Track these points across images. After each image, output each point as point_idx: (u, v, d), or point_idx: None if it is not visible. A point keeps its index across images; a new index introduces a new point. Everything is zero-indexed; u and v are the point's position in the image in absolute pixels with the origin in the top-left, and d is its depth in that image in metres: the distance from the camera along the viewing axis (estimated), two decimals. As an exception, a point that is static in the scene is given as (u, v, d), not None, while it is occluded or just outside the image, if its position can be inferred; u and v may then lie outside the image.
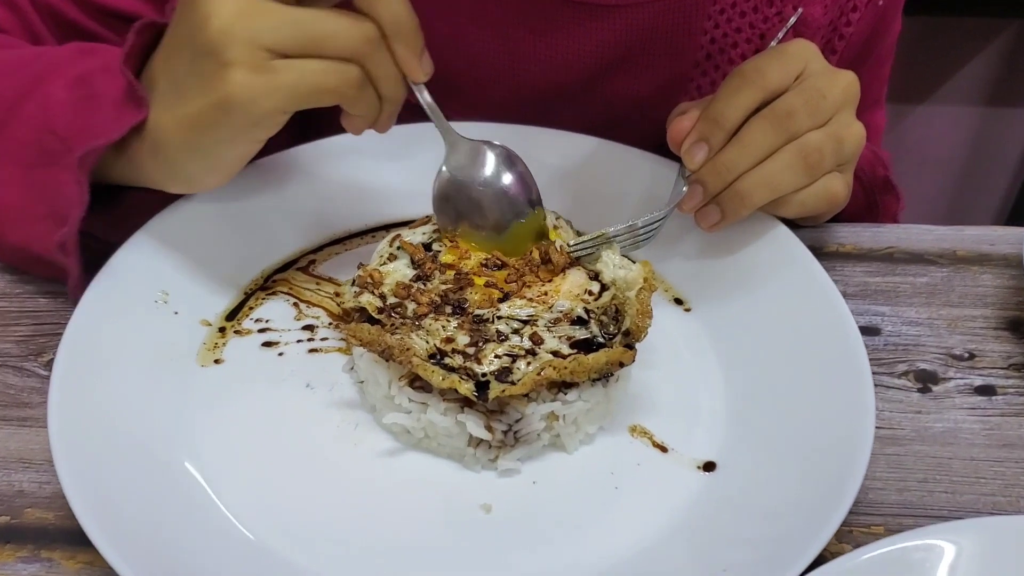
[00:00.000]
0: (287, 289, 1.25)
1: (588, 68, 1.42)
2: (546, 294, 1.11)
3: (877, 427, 1.03)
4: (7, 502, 1.02)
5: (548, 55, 1.41)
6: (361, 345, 1.05)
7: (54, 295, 1.23)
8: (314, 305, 1.23)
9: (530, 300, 1.10)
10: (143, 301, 1.16)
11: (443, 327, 1.07)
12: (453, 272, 1.13)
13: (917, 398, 1.17)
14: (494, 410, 1.03)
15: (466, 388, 1.00)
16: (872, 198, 1.49)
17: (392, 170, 1.38)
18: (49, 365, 1.07)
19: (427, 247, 1.17)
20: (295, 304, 1.23)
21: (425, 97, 1.10)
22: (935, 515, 1.04)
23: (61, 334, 1.06)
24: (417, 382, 1.04)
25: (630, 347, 1.06)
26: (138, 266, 1.18)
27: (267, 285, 1.25)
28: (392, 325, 1.07)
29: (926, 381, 1.19)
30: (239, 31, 0.93)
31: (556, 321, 1.08)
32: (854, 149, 1.19)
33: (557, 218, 1.24)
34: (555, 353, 1.04)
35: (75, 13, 1.30)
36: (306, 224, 1.32)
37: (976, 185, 3.31)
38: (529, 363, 1.03)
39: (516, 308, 1.09)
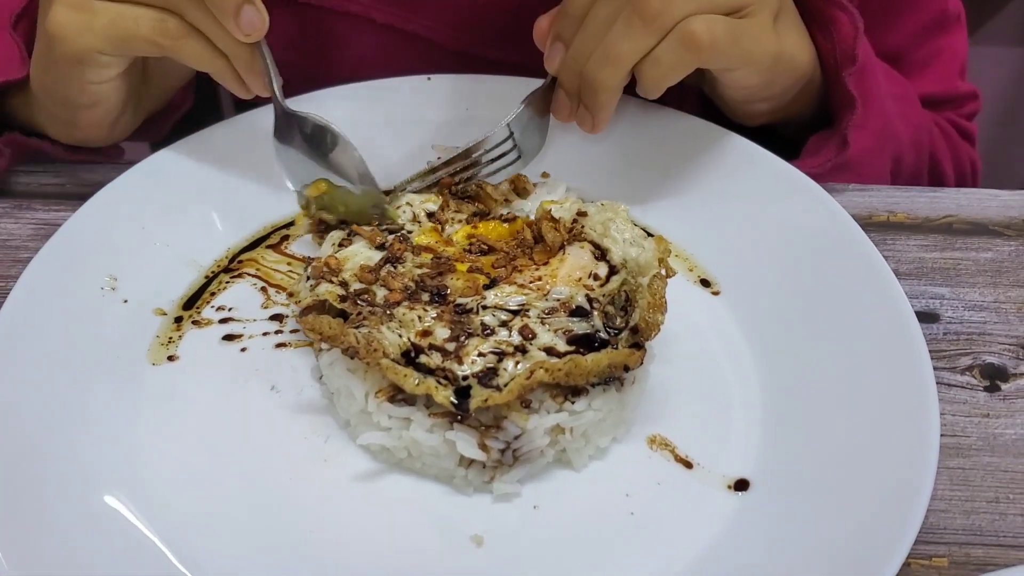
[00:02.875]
0: (255, 270, 1.10)
1: None
2: (541, 279, 0.95)
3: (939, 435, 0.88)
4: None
5: None
6: (322, 340, 0.89)
7: (-10, 278, 1.09)
8: (284, 290, 1.07)
9: (522, 287, 0.94)
10: (87, 287, 1.03)
11: (419, 317, 0.91)
12: (431, 256, 0.97)
13: (984, 398, 1.01)
14: (489, 425, 0.87)
15: (443, 396, 0.86)
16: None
17: (377, 129, 1.21)
18: (-24, 364, 0.93)
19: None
20: (263, 289, 1.08)
21: (265, 57, 1.04)
22: (1010, 543, 0.89)
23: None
24: (399, 395, 0.88)
25: (638, 346, 0.90)
26: (81, 247, 1.05)
27: (232, 266, 1.10)
28: (359, 315, 0.92)
29: (994, 378, 1.03)
30: None
31: (552, 311, 0.92)
32: None
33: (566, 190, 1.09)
34: (549, 350, 0.89)
35: None
36: (280, 193, 1.15)
37: (1019, 133, 3.14)
38: (518, 363, 0.88)
39: (505, 296, 0.93)
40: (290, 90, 1.20)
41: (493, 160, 1.12)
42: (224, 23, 0.97)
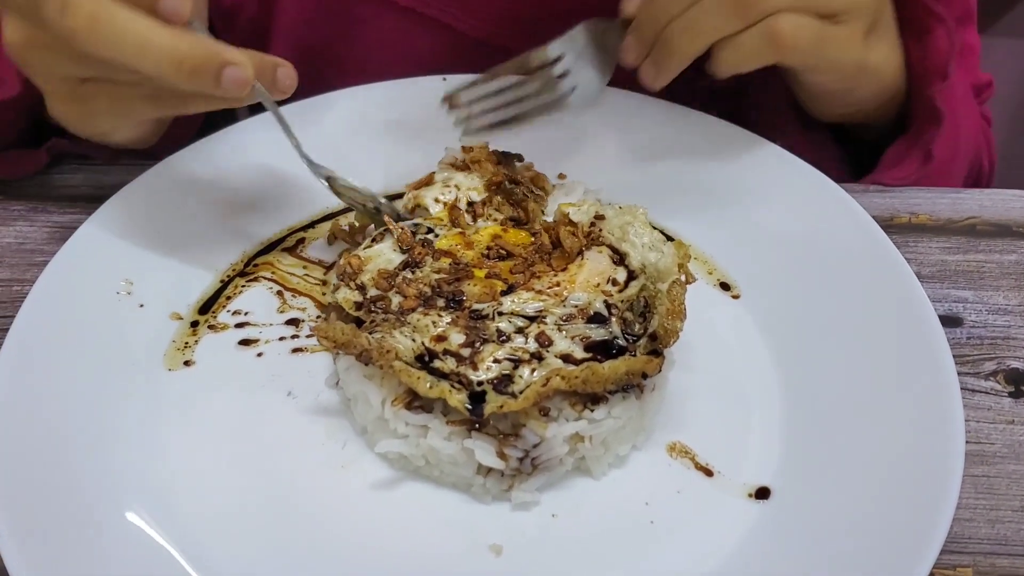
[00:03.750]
0: (270, 274, 1.09)
1: None
2: (559, 284, 0.94)
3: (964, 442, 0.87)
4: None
5: None
6: (335, 347, 0.88)
7: (9, 284, 1.09)
8: (301, 294, 1.07)
9: (539, 293, 0.93)
10: (103, 293, 1.02)
11: (433, 323, 0.91)
12: (449, 260, 0.96)
13: (1009, 404, 0.99)
14: (508, 433, 0.86)
15: (457, 400, 0.85)
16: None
17: (392, 129, 1.21)
18: (-5, 369, 0.93)
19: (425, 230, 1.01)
20: (279, 292, 1.07)
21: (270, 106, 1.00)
22: (1035, 553, 0.88)
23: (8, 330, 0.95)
24: (416, 402, 0.87)
25: (656, 353, 0.89)
26: (97, 251, 1.05)
27: (247, 270, 1.09)
28: (373, 323, 0.91)
29: (1019, 383, 1.01)
30: (35, 64, 0.95)
31: (569, 318, 0.91)
32: None
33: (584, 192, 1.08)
34: (565, 358, 0.88)
35: None
36: (296, 194, 1.15)
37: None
38: (534, 370, 0.87)
39: (522, 302, 0.92)
40: (309, 70, 1.17)
41: (546, 84, 1.08)
42: (212, 93, 0.91)
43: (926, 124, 1.17)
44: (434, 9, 1.30)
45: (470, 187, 1.08)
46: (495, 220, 1.05)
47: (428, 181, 1.09)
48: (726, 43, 1.02)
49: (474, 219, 1.05)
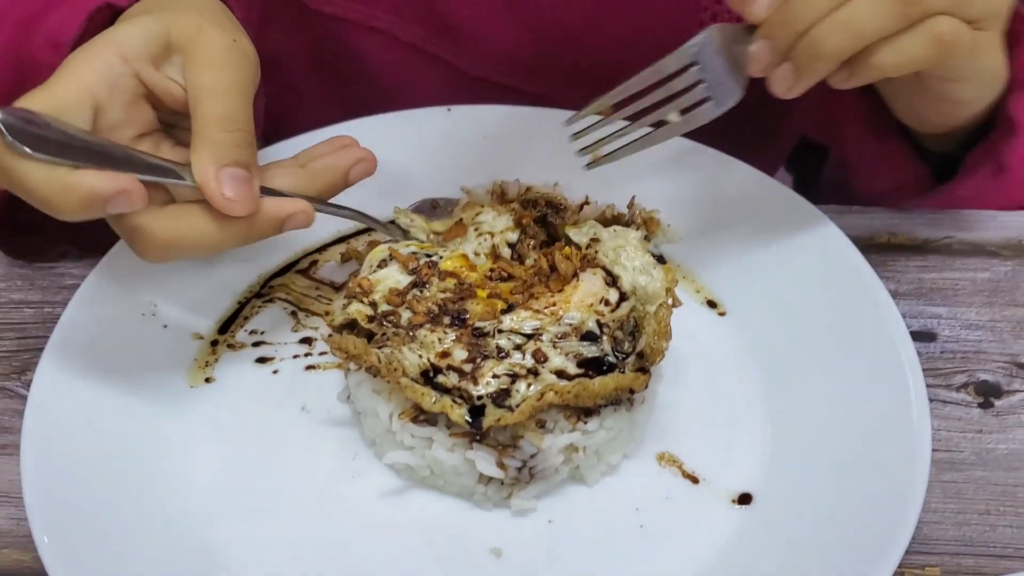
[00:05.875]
0: (285, 295, 1.16)
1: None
2: (555, 304, 1.00)
3: (933, 450, 0.94)
4: (-19, 540, 0.95)
5: None
6: (347, 359, 0.95)
7: (40, 305, 1.15)
8: (314, 314, 1.14)
9: (536, 312, 0.99)
10: (130, 314, 1.09)
11: (439, 339, 0.97)
12: (454, 281, 1.03)
13: (978, 415, 1.05)
14: (507, 444, 0.93)
15: (458, 414, 0.91)
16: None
17: (404, 155, 1.26)
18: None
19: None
20: (293, 313, 1.14)
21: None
22: (999, 553, 0.94)
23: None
24: (421, 416, 0.94)
25: (644, 371, 0.96)
26: (126, 276, 1.10)
27: (263, 291, 1.16)
28: (383, 336, 0.98)
29: (988, 395, 1.07)
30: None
31: (564, 335, 0.97)
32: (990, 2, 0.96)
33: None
34: (560, 373, 0.95)
35: None
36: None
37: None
38: (530, 384, 0.93)
39: (520, 320, 0.99)
40: (307, 103, 1.21)
41: (676, 95, 1.01)
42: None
43: (1001, 135, 1.14)
44: (436, 47, 1.33)
45: (503, 228, 1.10)
46: (535, 249, 1.09)
47: (461, 231, 1.12)
48: (883, 45, 0.92)
49: (521, 260, 1.08)
